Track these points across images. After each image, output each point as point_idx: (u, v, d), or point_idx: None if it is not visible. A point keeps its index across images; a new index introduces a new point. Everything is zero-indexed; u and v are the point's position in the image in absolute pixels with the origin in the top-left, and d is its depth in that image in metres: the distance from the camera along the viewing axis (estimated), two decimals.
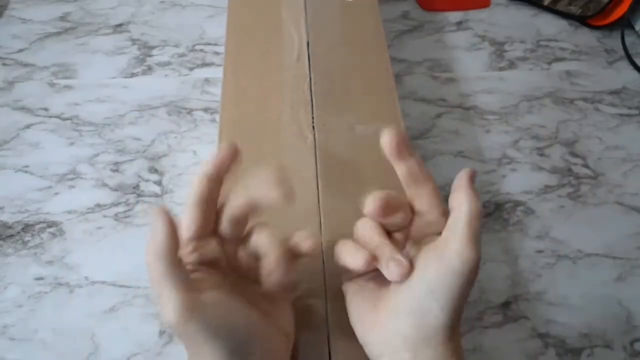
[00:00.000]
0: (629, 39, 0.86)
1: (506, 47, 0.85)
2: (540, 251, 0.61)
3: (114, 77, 0.76)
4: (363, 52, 0.57)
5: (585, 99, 0.78)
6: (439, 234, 0.28)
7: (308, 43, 0.56)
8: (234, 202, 0.28)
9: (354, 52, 0.57)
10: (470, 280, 0.26)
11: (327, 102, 0.51)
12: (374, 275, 0.30)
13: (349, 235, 0.34)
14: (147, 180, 0.64)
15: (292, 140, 0.48)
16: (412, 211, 0.29)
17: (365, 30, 0.59)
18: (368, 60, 0.56)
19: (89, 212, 0.61)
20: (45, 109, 0.71)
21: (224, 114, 0.50)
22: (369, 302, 0.29)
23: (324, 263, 0.38)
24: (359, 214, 0.44)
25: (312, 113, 0.50)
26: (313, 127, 0.49)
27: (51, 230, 0.59)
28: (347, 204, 0.43)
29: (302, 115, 0.50)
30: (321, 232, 0.40)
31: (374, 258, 0.27)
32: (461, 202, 0.27)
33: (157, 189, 0.63)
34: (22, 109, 0.71)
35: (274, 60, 0.54)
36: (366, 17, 0.61)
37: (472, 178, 0.28)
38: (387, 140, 0.28)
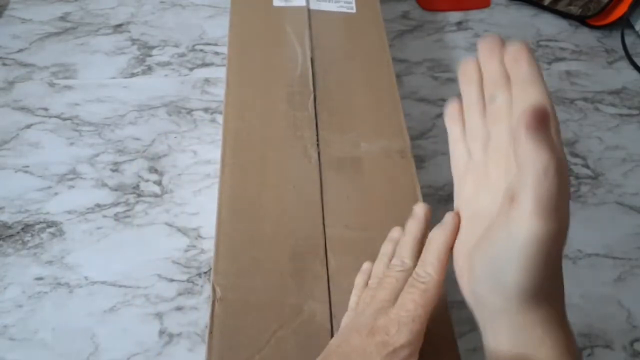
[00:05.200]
0: (629, 39, 0.86)
1: None
2: None
3: (114, 77, 0.76)
4: (367, 68, 0.56)
5: (585, 99, 0.78)
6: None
7: (312, 60, 0.55)
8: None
9: (359, 68, 0.55)
10: (545, 251, 0.22)
11: (331, 120, 0.50)
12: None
13: (353, 253, 0.39)
14: (147, 180, 0.64)
15: (297, 158, 0.47)
16: None
17: (369, 46, 0.58)
18: (372, 76, 0.55)
19: (88, 212, 0.61)
20: (45, 109, 0.71)
21: (227, 126, 0.49)
22: (466, 246, 0.28)
23: (328, 277, 0.38)
24: (363, 233, 0.44)
25: (317, 131, 0.49)
26: (317, 146, 0.48)
27: (51, 230, 0.59)
28: (352, 223, 0.42)
29: (307, 133, 0.49)
30: (325, 251, 0.40)
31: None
32: (525, 159, 0.21)
33: (157, 189, 0.63)
34: (22, 109, 0.71)
35: (277, 75, 0.53)
36: (370, 33, 0.60)
37: (541, 120, 0.21)
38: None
